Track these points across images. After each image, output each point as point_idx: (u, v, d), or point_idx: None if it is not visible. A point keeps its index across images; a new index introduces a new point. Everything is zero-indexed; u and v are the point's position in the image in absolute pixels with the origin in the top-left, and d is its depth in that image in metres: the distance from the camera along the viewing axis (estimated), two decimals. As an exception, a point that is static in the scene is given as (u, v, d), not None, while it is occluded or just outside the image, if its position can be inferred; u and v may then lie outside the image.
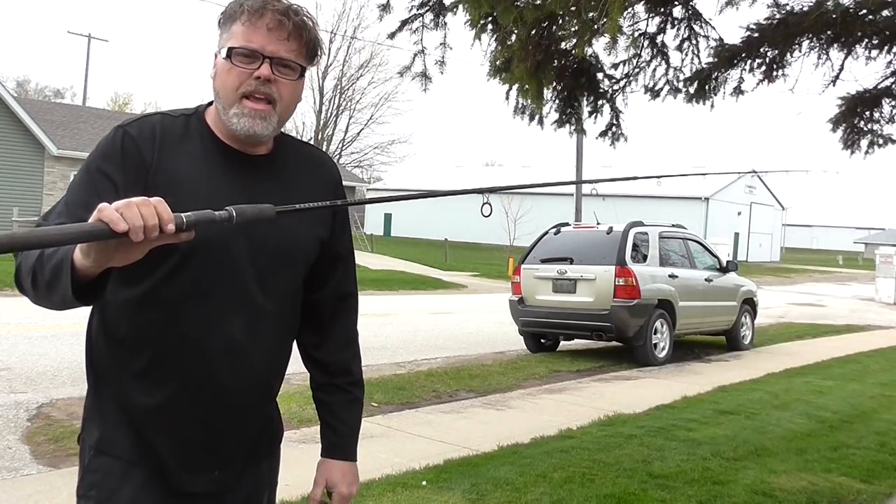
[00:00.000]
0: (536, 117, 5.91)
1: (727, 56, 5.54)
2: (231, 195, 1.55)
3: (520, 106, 5.85)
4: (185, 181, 1.60)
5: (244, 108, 1.61)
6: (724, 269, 12.25)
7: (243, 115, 1.61)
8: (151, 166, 1.60)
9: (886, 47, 5.26)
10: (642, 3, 5.50)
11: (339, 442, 1.87)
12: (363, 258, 29.95)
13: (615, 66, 5.88)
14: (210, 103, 1.72)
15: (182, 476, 1.66)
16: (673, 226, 12.16)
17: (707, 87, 5.72)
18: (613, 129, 6.22)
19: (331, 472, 1.85)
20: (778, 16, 5.35)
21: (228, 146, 1.67)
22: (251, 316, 1.65)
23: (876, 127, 5.90)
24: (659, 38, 5.74)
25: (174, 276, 1.58)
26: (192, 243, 1.46)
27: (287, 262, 1.71)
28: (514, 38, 5.34)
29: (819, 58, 5.45)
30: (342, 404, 1.88)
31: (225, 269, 1.61)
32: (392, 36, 5.78)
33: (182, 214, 1.29)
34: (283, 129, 1.73)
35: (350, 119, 58.27)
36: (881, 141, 5.93)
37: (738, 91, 5.73)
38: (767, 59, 5.55)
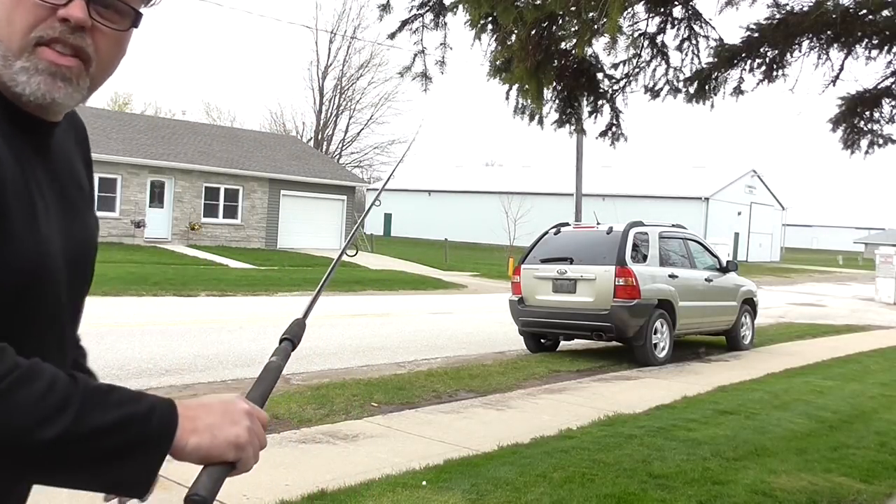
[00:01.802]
0: (536, 117, 5.91)
1: (727, 56, 5.54)
2: (40, 186, 1.12)
3: (520, 106, 5.85)
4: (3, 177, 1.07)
5: (39, 62, 1.07)
6: (724, 269, 12.25)
7: (37, 72, 1.07)
8: None
9: (886, 47, 5.27)
10: (642, 3, 5.51)
11: None
12: (363, 258, 29.94)
13: (615, 66, 5.89)
14: None
15: None
16: (673, 226, 12.16)
17: (707, 87, 5.73)
18: (613, 129, 6.22)
19: None
20: (778, 16, 5.35)
21: (19, 109, 1.11)
22: (63, 354, 1.20)
23: (876, 127, 5.90)
24: (659, 38, 5.74)
25: (6, 315, 1.08)
26: (29, 276, 1.06)
27: (89, 281, 1.28)
28: (514, 38, 5.34)
29: (819, 58, 5.46)
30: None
31: (54, 303, 1.15)
32: (392, 36, 5.78)
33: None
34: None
35: (350, 119, 58.32)
36: (881, 141, 5.93)
37: (738, 91, 5.73)
38: (767, 59, 5.55)
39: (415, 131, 1.69)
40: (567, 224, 12.06)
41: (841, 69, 5.46)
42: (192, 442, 1.01)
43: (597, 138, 6.33)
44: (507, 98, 5.80)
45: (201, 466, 1.05)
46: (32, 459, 0.93)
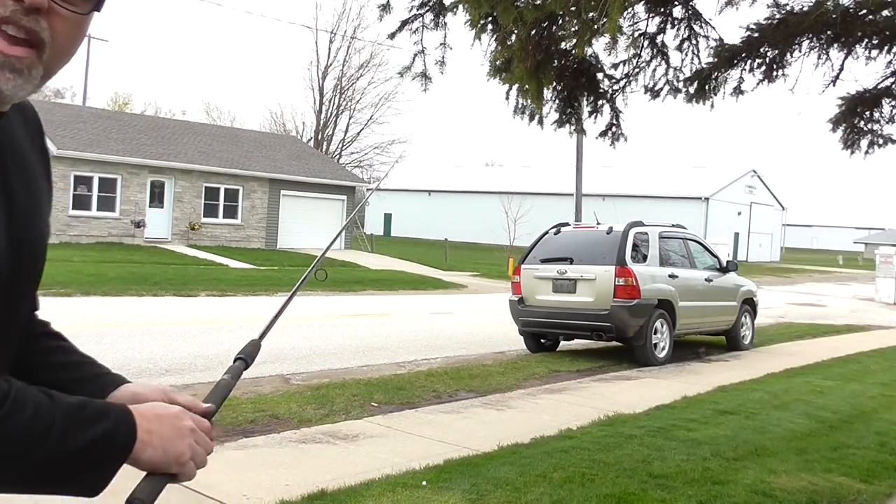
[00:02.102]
0: (536, 117, 5.92)
1: (727, 56, 5.55)
2: None
3: (520, 106, 5.85)
4: None
5: None
6: (724, 269, 12.25)
7: None
8: None
9: (886, 47, 5.27)
10: (642, 3, 5.51)
11: (110, 371, 1.33)
12: (363, 258, 29.95)
13: (615, 66, 5.89)
14: None
15: None
16: (673, 226, 12.16)
17: (707, 87, 5.73)
18: (613, 129, 6.22)
19: (150, 391, 1.28)
20: (778, 16, 5.36)
21: None
22: (4, 361, 1.13)
23: (876, 127, 5.91)
24: (659, 38, 5.74)
25: None
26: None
27: (35, 285, 1.18)
28: (514, 38, 5.35)
29: (819, 58, 5.46)
30: (71, 345, 1.34)
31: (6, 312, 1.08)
32: (392, 36, 5.79)
33: (211, 407, 1.25)
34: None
35: (350, 119, 58.21)
36: (881, 141, 5.93)
37: (738, 91, 5.74)
38: (767, 59, 5.55)
39: (393, 162, 1.67)
40: (567, 224, 12.06)
41: (841, 69, 5.46)
42: (147, 454, 1.08)
43: (597, 138, 6.34)
44: (507, 98, 5.80)
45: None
46: (16, 477, 0.98)
